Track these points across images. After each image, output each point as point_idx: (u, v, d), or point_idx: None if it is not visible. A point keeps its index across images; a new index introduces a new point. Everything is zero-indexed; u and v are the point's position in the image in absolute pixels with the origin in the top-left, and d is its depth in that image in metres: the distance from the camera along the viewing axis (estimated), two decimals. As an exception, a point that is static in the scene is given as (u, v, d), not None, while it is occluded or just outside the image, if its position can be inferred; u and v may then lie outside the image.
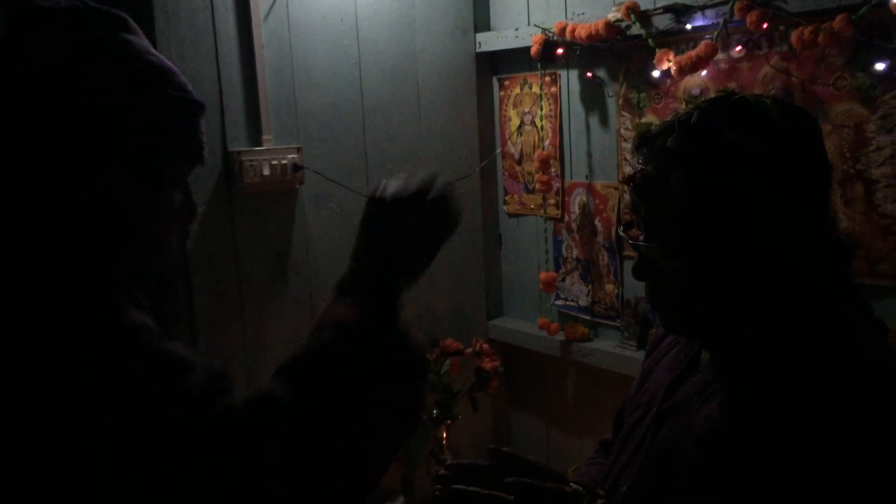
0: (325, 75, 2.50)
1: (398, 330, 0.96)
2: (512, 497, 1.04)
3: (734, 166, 0.97)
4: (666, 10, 2.14)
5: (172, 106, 1.01)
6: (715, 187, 0.98)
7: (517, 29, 2.62)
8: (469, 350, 2.71)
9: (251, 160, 2.32)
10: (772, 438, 0.94)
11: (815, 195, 1.01)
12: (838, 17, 1.78)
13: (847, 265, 1.06)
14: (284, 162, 2.38)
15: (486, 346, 2.70)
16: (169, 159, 1.01)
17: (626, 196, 2.39)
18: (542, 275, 2.65)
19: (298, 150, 2.41)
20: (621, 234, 1.13)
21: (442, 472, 1.11)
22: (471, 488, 1.04)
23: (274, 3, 2.39)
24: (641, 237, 1.08)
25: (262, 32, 2.36)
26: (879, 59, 1.80)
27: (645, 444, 1.11)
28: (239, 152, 2.30)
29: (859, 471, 0.90)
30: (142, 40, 1.02)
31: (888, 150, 1.84)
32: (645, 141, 1.06)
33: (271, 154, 2.36)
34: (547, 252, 2.69)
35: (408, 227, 0.99)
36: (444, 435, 2.64)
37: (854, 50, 1.85)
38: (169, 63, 1.03)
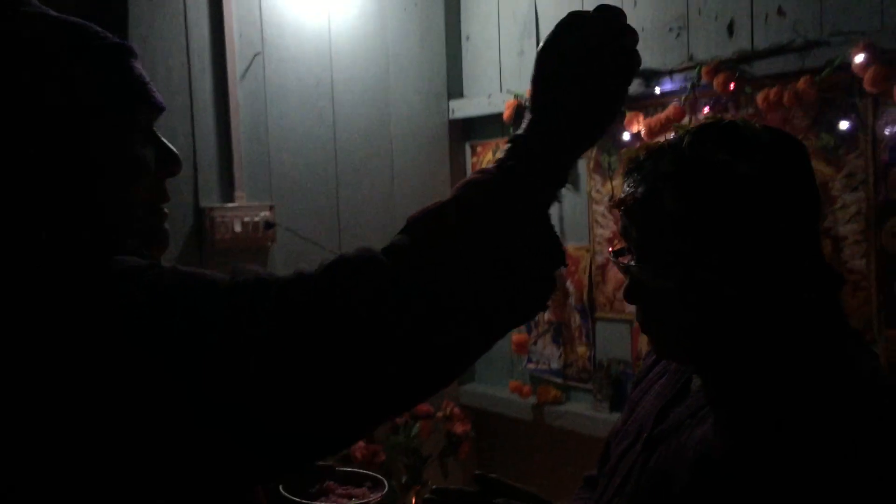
0: (299, 136, 2.52)
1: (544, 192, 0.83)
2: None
3: (725, 186, 0.99)
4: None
5: (95, 58, 0.89)
6: (706, 207, 0.99)
7: (490, 95, 2.69)
8: (440, 414, 2.66)
9: (223, 216, 2.30)
10: (767, 461, 0.93)
11: (805, 218, 1.03)
12: (802, 79, 1.86)
13: (837, 291, 1.07)
14: (257, 219, 2.37)
15: (456, 409, 2.66)
16: (113, 113, 0.89)
17: (607, 252, 2.41)
18: (515, 336, 2.63)
19: (271, 207, 2.41)
20: (611, 259, 1.13)
21: (427, 496, 1.07)
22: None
23: (251, 63, 2.42)
24: (632, 261, 1.08)
25: (238, 91, 2.38)
26: (842, 120, 1.87)
27: (635, 470, 1.09)
28: (211, 208, 2.29)
29: (854, 493, 0.89)
30: (40, 7, 0.90)
31: (854, 208, 1.90)
32: (636, 165, 1.07)
33: (243, 211, 2.35)
34: (519, 314, 2.68)
35: (569, 60, 0.83)
36: (413, 502, 2.57)
37: (819, 111, 1.92)
38: (75, 19, 0.92)
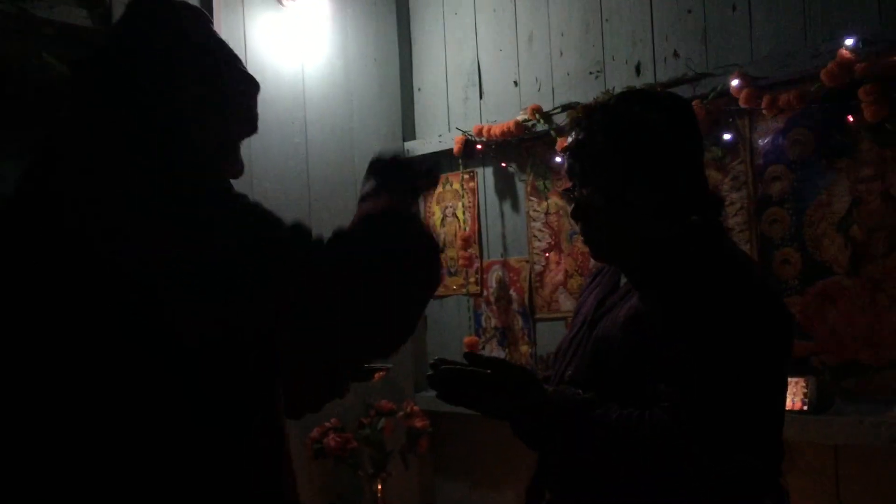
0: (278, 167, 2.92)
1: (412, 216, 1.32)
2: (489, 371, 1.38)
3: (639, 132, 1.43)
4: (563, 108, 2.70)
5: (242, 83, 1.27)
6: (627, 146, 1.43)
7: (440, 135, 3.14)
8: (401, 413, 3.00)
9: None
10: (670, 314, 1.34)
11: (694, 154, 1.47)
12: (693, 103, 2.36)
13: (718, 211, 1.50)
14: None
15: (416, 407, 3.00)
16: (237, 129, 1.28)
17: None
18: (466, 339, 3.02)
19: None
20: (563, 195, 1.56)
21: (432, 361, 1.44)
22: (457, 367, 1.38)
23: (237, 103, 2.82)
24: (576, 190, 1.50)
25: (226, 126, 2.77)
26: (726, 133, 2.37)
27: (582, 344, 1.48)
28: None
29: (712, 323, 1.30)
30: (217, 33, 1.28)
31: (738, 204, 2.38)
32: (577, 121, 1.51)
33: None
34: (470, 320, 3.07)
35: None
36: (380, 488, 2.87)
37: (708, 129, 2.42)
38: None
